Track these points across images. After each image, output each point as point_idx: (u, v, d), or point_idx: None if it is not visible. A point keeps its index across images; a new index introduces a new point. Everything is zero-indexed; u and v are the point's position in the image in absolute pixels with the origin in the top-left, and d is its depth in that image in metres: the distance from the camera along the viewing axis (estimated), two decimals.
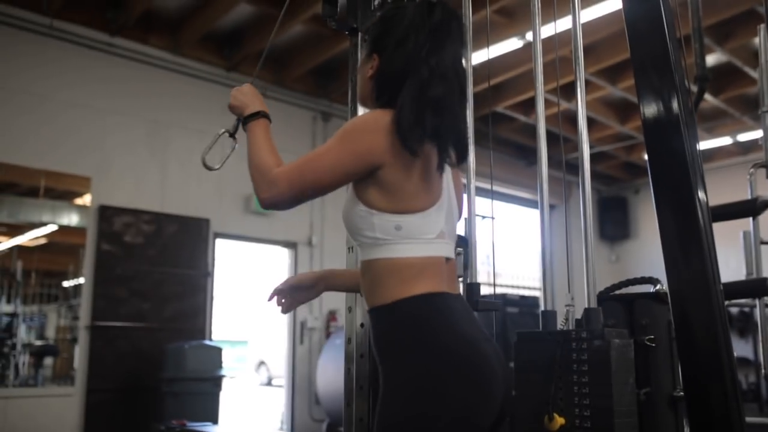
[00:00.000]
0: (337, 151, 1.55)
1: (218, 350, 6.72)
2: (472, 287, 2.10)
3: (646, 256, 11.73)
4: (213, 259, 7.51)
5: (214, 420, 6.44)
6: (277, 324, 16.80)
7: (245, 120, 1.76)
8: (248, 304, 17.86)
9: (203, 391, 6.37)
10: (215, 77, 7.73)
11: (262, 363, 17.97)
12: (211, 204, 7.55)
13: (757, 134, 3.60)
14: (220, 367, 6.64)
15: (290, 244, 8.31)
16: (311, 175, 1.56)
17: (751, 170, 3.34)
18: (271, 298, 1.97)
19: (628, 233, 12.09)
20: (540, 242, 2.03)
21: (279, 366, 16.78)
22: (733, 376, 1.63)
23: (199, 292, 7.30)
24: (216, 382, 6.53)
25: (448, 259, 1.63)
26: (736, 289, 3.19)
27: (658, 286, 2.43)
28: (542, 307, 2.00)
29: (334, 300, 8.51)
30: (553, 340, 1.87)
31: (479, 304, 2.08)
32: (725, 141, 10.10)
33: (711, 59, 7.47)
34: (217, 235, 7.57)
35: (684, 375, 1.74)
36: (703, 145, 9.72)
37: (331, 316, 8.51)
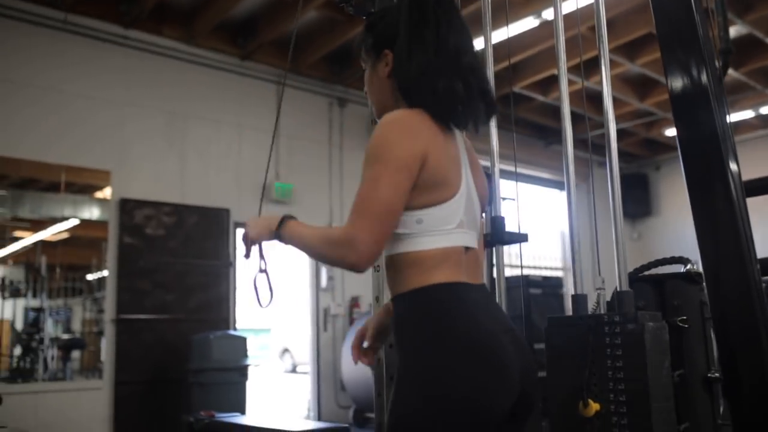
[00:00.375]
0: (389, 173, 1.48)
1: (243, 339, 6.74)
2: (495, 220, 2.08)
3: (669, 234, 11.60)
4: (234, 249, 7.51)
5: (242, 409, 6.46)
6: (301, 312, 16.94)
7: (278, 236, 1.63)
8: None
9: (229, 380, 6.39)
10: (230, 66, 7.72)
11: (286, 350, 18.07)
12: (231, 194, 7.55)
13: None
14: (246, 356, 6.66)
15: None
16: (380, 208, 1.47)
17: None
18: (357, 360, 1.90)
19: (649, 210, 11.96)
20: (568, 225, 1.99)
21: (303, 353, 16.90)
22: None
23: (221, 282, 7.32)
24: (242, 371, 6.54)
25: (468, 249, 1.61)
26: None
27: (688, 266, 2.38)
28: (572, 291, 1.96)
29: (356, 286, 8.51)
30: (585, 325, 1.83)
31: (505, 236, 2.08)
32: (747, 114, 9.94)
33: (732, 32, 7.32)
34: (238, 224, 7.57)
35: (720, 355, 1.70)
36: None
37: (354, 302, 8.51)
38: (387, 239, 1.51)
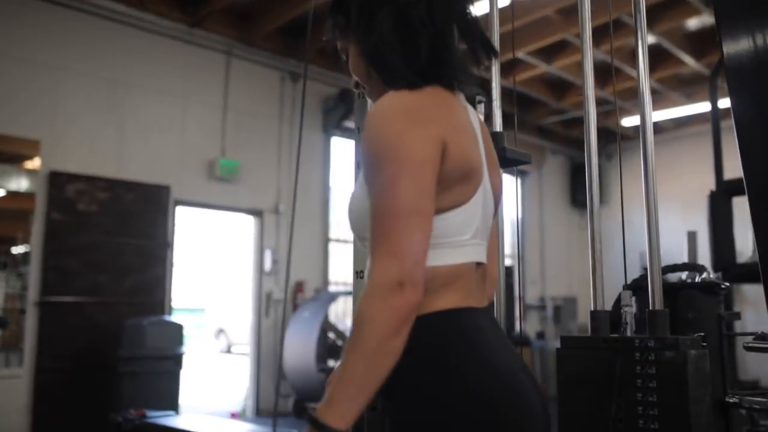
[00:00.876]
0: (408, 171, 1.11)
1: (179, 327, 6.30)
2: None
3: (619, 223, 11.57)
4: (173, 228, 7.04)
5: (175, 401, 6.06)
6: (238, 292, 16.50)
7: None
8: (208, 272, 17.48)
9: (163, 370, 5.96)
10: (177, 33, 7.18)
11: (221, 331, 17.67)
12: (172, 170, 7.05)
13: None
14: (181, 344, 6.23)
15: (256, 212, 7.86)
16: (406, 218, 1.09)
17: None
18: None
19: (599, 200, 11.89)
20: (589, 229, 1.68)
21: (239, 334, 16.54)
22: None
23: (158, 263, 6.85)
24: (176, 360, 6.11)
25: (478, 264, 1.27)
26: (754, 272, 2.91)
27: (704, 275, 2.11)
28: (591, 306, 1.65)
29: (301, 271, 8.15)
30: (611, 349, 1.52)
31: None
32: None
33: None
34: (178, 202, 7.09)
35: None
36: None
37: (298, 287, 8.14)
38: (425, 252, 1.11)
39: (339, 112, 8.53)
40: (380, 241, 1.09)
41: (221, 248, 16.55)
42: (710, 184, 3.78)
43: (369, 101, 1.43)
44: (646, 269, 2.17)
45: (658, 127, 10.86)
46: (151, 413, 3.95)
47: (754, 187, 1.40)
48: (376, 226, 1.10)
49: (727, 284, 2.03)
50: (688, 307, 1.97)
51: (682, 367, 1.43)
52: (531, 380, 1.20)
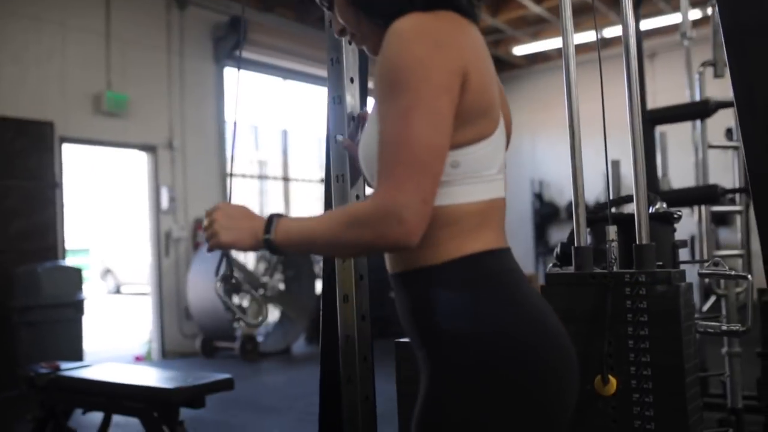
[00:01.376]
0: (424, 102, 1.04)
1: (77, 271, 5.98)
2: None
3: (510, 151, 11.83)
4: (60, 167, 6.56)
5: (78, 348, 5.79)
6: (127, 231, 15.86)
7: (269, 244, 1.13)
8: (95, 211, 16.67)
9: (64, 318, 5.65)
10: None
11: (108, 271, 17.04)
12: (55, 104, 6.52)
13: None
14: (80, 289, 5.92)
15: (149, 148, 7.46)
16: (419, 152, 1.03)
17: (700, 69, 3.12)
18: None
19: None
20: (571, 150, 1.64)
21: (128, 273, 16.02)
22: None
23: (47, 206, 6.39)
24: (77, 306, 5.81)
25: (504, 201, 1.23)
26: (686, 197, 3.04)
27: (657, 205, 2.14)
28: (575, 241, 1.64)
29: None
30: (601, 284, 1.52)
31: None
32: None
33: None
34: (64, 139, 6.59)
35: None
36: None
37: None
38: (434, 191, 1.06)
39: (230, 41, 8.14)
40: (391, 172, 1.03)
41: (111, 186, 15.81)
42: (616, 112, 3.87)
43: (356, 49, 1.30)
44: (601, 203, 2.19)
45: (551, 56, 11.04)
46: (65, 365, 3.72)
47: (743, 101, 1.42)
48: (388, 156, 1.05)
49: (680, 213, 2.08)
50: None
51: (674, 300, 1.44)
52: (558, 322, 1.18)
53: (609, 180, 1.78)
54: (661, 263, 1.81)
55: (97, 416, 4.04)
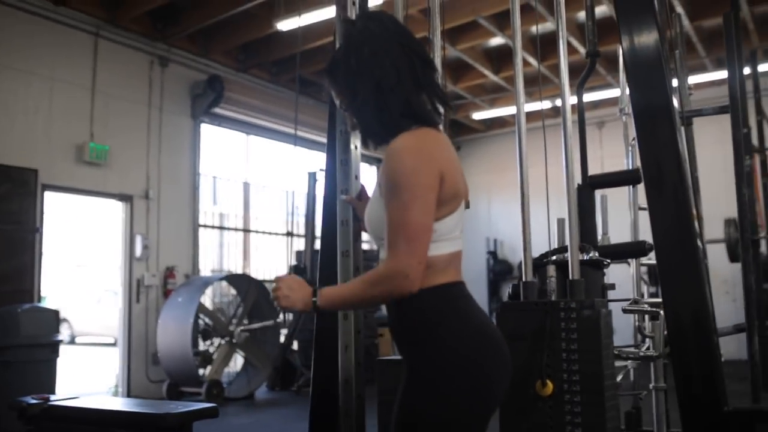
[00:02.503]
0: (417, 198, 1.55)
1: (54, 313, 6.19)
2: None
3: (466, 210, 12.40)
4: (42, 213, 6.84)
5: (52, 387, 5.97)
6: (84, 278, 15.84)
7: (316, 308, 1.65)
8: (56, 258, 16.62)
9: (40, 358, 5.86)
10: (42, 11, 6.95)
11: (63, 320, 16.85)
12: (40, 153, 6.85)
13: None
14: (57, 331, 6.14)
15: (126, 197, 7.78)
16: (415, 230, 1.55)
17: (632, 142, 3.65)
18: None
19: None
20: (522, 208, 2.09)
21: (82, 323, 15.87)
22: (713, 333, 1.81)
23: (25, 250, 6.66)
24: (53, 347, 6.02)
25: (460, 252, 1.74)
26: (621, 251, 3.52)
27: (591, 254, 2.61)
28: (523, 278, 2.08)
29: (171, 256, 8.17)
30: (542, 310, 1.96)
31: None
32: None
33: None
34: (47, 186, 6.90)
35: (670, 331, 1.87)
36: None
37: (169, 272, 8.16)
38: (426, 256, 1.57)
39: (208, 99, 8.59)
40: (397, 244, 1.55)
41: (82, 234, 15.85)
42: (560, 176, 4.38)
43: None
44: (547, 252, 2.64)
45: (508, 122, 11.69)
46: (54, 397, 3.98)
47: (650, 173, 1.86)
48: (394, 234, 1.56)
49: (609, 261, 2.55)
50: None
51: (597, 321, 1.89)
52: (498, 332, 1.69)
53: (549, 233, 2.24)
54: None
55: None
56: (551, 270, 2.07)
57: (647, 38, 1.91)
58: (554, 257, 2.57)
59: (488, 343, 1.62)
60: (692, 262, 1.77)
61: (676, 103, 5.51)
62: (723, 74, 7.14)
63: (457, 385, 1.55)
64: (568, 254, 2.11)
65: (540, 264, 2.41)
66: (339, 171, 2.03)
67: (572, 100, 7.40)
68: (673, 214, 1.85)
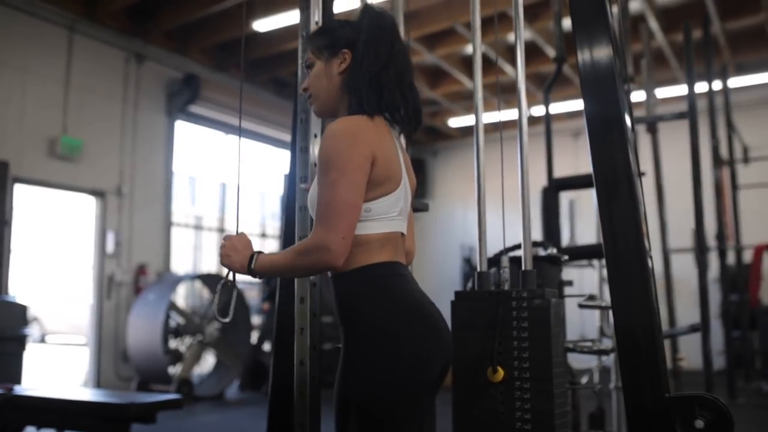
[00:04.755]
0: (345, 176, 1.62)
1: (22, 307, 6.15)
2: None
3: (442, 216, 12.52)
4: (11, 206, 6.79)
5: (18, 381, 5.93)
6: (54, 276, 15.69)
7: (252, 272, 1.72)
8: (27, 255, 16.45)
9: (6, 351, 5.81)
10: (16, 3, 6.92)
11: (34, 319, 16.66)
12: (11, 145, 6.81)
13: None
14: (25, 324, 6.10)
15: (98, 193, 7.75)
16: (341, 206, 1.61)
17: None
18: None
19: (424, 193, 12.76)
20: (477, 204, 2.15)
21: (54, 322, 15.70)
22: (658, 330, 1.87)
23: None
24: (20, 341, 5.98)
25: (402, 234, 1.80)
26: (585, 252, 3.60)
27: (549, 250, 2.67)
28: (478, 268, 2.13)
29: (143, 253, 8.14)
30: (494, 300, 2.01)
31: None
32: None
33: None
34: (18, 179, 6.85)
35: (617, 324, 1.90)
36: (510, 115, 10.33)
37: (141, 269, 8.13)
38: (352, 232, 1.63)
39: (184, 97, 8.59)
40: (323, 219, 1.62)
41: (52, 229, 15.68)
42: (535, 181, 4.47)
43: (312, 108, 1.87)
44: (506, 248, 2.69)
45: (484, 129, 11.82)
46: (18, 387, 3.97)
47: (602, 178, 1.92)
48: (321, 209, 1.63)
49: (567, 257, 2.61)
50: (537, 274, 2.48)
51: (547, 310, 1.94)
52: (437, 310, 1.75)
53: (504, 230, 2.30)
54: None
55: None
56: (505, 262, 2.13)
57: (599, 51, 1.96)
58: (510, 252, 2.63)
59: (420, 323, 1.66)
60: (638, 262, 1.83)
61: (643, 112, 5.62)
62: (700, 87, 7.28)
63: (384, 363, 1.61)
64: (522, 248, 2.17)
65: (496, 258, 2.47)
66: (299, 158, 2.07)
67: (540, 109, 7.45)
68: (621, 218, 1.90)
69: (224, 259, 1.73)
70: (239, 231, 1.82)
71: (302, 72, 1.96)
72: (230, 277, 1.79)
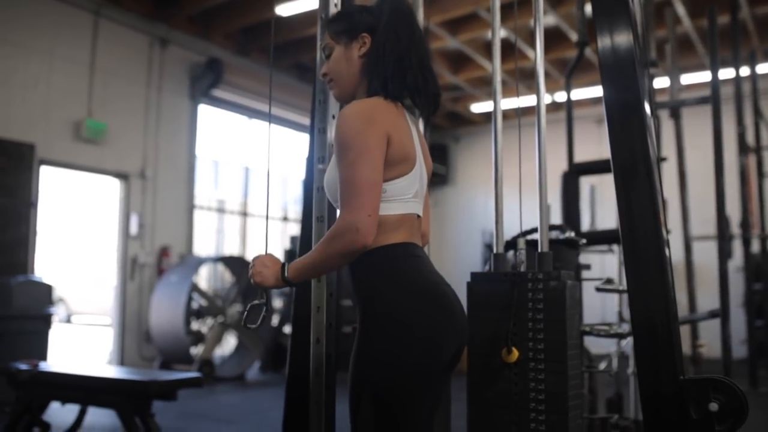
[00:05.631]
0: (364, 156, 1.63)
1: (48, 287, 6.26)
2: None
3: (464, 202, 12.51)
4: (38, 188, 6.91)
5: (44, 359, 6.04)
6: (81, 258, 15.91)
7: (287, 282, 1.74)
8: (54, 236, 16.70)
9: (33, 330, 5.93)
10: None
11: (60, 299, 16.94)
12: (37, 128, 6.90)
13: None
14: (51, 303, 6.21)
15: (122, 176, 7.84)
16: (364, 185, 1.62)
17: None
18: None
19: (446, 179, 12.75)
20: (494, 186, 2.15)
21: (79, 302, 15.95)
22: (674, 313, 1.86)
23: (21, 223, 6.71)
24: (46, 320, 6.09)
25: (418, 216, 1.81)
26: (605, 237, 3.59)
27: (567, 233, 2.67)
28: (494, 250, 2.14)
29: (166, 236, 8.23)
30: (510, 281, 2.02)
31: None
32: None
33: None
34: (44, 161, 6.96)
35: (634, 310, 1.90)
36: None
37: (164, 251, 8.22)
38: (378, 210, 1.64)
39: (207, 81, 8.63)
40: (347, 200, 1.63)
41: (79, 211, 15.90)
42: (556, 167, 4.46)
43: (331, 93, 1.88)
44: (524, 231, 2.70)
45: (506, 115, 11.77)
46: (44, 364, 4.05)
47: (620, 164, 1.91)
48: (344, 190, 1.64)
49: (584, 240, 2.61)
50: (555, 257, 2.49)
51: (563, 292, 1.95)
52: (452, 290, 1.75)
53: (521, 214, 2.30)
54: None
55: (69, 413, 4.37)
56: (521, 244, 2.13)
57: (619, 36, 1.95)
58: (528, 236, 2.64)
59: (433, 305, 1.67)
60: (655, 248, 1.82)
61: (667, 98, 5.55)
62: (727, 74, 7.17)
63: (396, 346, 1.62)
64: (538, 231, 2.17)
65: (513, 241, 2.48)
66: (317, 139, 2.09)
67: (563, 95, 7.37)
68: (638, 205, 1.89)
69: (257, 276, 1.75)
70: (267, 251, 1.84)
71: (320, 56, 1.97)
72: (263, 296, 1.83)
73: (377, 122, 1.67)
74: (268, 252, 1.82)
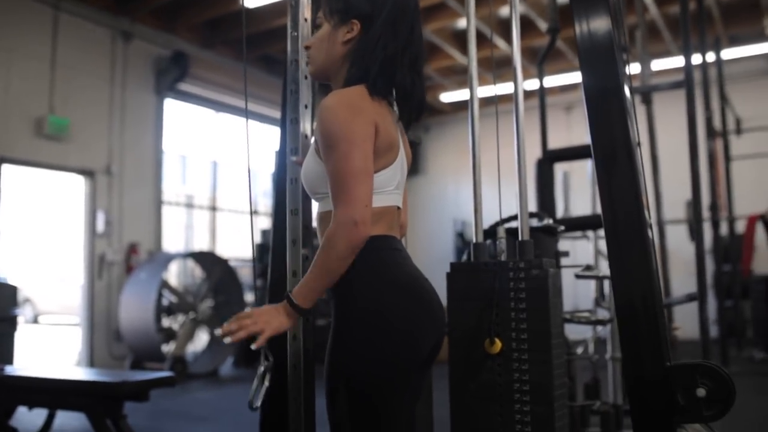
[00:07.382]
0: (355, 146, 1.56)
1: (12, 288, 6.10)
2: None
3: (434, 192, 12.49)
4: None
5: (9, 361, 5.89)
6: (47, 257, 15.62)
7: (301, 310, 1.60)
8: (17, 235, 16.36)
9: None
10: None
11: (26, 300, 16.62)
12: None
13: None
14: (15, 305, 6.05)
15: (87, 172, 7.67)
16: (356, 176, 1.55)
17: None
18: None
19: (417, 169, 12.71)
20: (473, 174, 2.11)
21: (46, 302, 15.65)
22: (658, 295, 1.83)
23: None
24: (11, 322, 5.92)
25: (398, 208, 1.75)
26: (581, 223, 3.57)
27: (545, 221, 2.64)
28: (473, 240, 2.10)
29: (135, 232, 8.08)
30: (491, 270, 1.98)
31: None
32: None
33: None
34: (3, 160, 6.77)
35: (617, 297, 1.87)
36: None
37: (132, 248, 8.07)
38: (371, 199, 1.57)
39: (173, 75, 8.48)
40: (341, 194, 1.55)
41: (41, 210, 15.58)
42: (529, 154, 4.43)
43: (307, 72, 1.80)
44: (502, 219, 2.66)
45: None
46: (9, 367, 3.93)
47: (601, 148, 1.87)
48: (337, 185, 1.56)
49: (563, 227, 2.58)
50: (534, 245, 2.45)
51: (545, 280, 1.91)
52: (430, 284, 1.71)
53: (500, 202, 2.26)
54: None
55: (38, 418, 4.25)
56: (501, 233, 2.09)
57: (598, 20, 1.90)
58: (506, 224, 2.60)
59: (411, 299, 1.62)
60: (638, 232, 1.79)
61: (637, 84, 5.58)
62: (694, 60, 7.22)
63: (374, 340, 1.57)
64: (518, 219, 2.13)
65: (492, 229, 2.44)
66: (289, 130, 2.02)
67: (533, 83, 7.37)
68: (620, 189, 1.85)
69: (267, 328, 1.57)
70: (252, 244, 1.77)
71: (305, 32, 1.85)
72: (268, 358, 1.71)
73: (364, 110, 1.61)
74: (251, 309, 1.63)
